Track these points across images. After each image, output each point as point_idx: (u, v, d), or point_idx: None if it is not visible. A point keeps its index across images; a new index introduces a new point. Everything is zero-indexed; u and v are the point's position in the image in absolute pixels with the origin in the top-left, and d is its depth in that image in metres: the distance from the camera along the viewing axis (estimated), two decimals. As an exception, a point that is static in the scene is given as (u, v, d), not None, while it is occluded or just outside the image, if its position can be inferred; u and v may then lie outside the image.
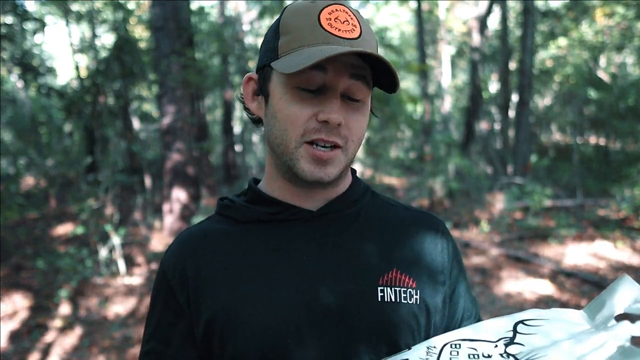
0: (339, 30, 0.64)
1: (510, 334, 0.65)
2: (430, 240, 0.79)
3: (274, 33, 0.70)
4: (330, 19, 0.65)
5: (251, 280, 0.70)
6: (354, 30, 0.65)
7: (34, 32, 10.12)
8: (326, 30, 0.64)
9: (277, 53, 0.67)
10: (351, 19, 0.66)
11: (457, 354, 0.62)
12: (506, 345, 0.63)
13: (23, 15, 7.86)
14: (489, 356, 0.61)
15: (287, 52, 0.66)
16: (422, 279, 0.75)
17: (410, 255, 0.76)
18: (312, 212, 0.74)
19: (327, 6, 0.66)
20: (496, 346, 0.63)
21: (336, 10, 0.66)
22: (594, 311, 0.66)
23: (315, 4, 0.66)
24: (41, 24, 9.09)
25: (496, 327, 0.67)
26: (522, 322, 0.68)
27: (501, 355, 0.61)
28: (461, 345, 0.64)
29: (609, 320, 0.62)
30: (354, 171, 0.84)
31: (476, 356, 0.61)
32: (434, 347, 0.64)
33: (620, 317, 0.62)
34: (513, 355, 0.61)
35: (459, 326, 0.80)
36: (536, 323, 0.67)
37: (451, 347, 0.64)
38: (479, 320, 0.84)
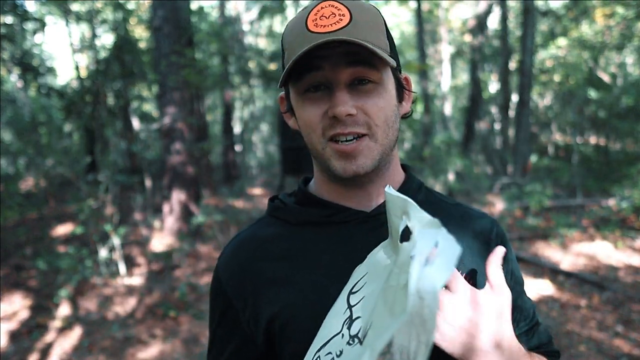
0: (324, 26, 0.65)
1: (348, 313, 0.62)
2: (485, 237, 0.78)
3: (281, 51, 0.74)
4: (316, 19, 0.66)
5: (309, 280, 0.70)
6: (340, 20, 0.66)
7: (34, 32, 10.12)
8: (312, 32, 0.65)
9: (285, 68, 0.70)
10: (338, 10, 0.66)
11: None
12: (348, 327, 0.60)
13: (23, 15, 7.86)
14: (341, 352, 0.58)
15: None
16: (479, 278, 0.73)
17: (466, 252, 0.74)
18: (367, 212, 0.74)
19: (314, 7, 0.68)
20: (342, 335, 0.60)
21: (322, 8, 0.67)
22: (388, 240, 0.63)
23: (304, 10, 0.69)
24: (41, 24, 9.09)
25: (337, 313, 0.64)
26: (351, 292, 0.64)
27: (348, 343, 0.58)
28: (320, 357, 0.61)
29: (398, 245, 0.59)
30: (408, 167, 0.83)
31: None
32: None
33: (403, 237, 0.57)
34: (356, 336, 0.58)
35: (524, 331, 0.79)
36: (360, 284, 0.64)
37: None
38: (536, 320, 0.82)
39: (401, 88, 0.74)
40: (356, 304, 0.62)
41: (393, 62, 0.66)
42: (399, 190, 0.75)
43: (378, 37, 0.67)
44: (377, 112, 0.68)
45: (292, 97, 0.72)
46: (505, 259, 0.80)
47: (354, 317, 0.60)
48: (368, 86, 0.67)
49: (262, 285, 0.72)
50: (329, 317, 0.65)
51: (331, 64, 0.66)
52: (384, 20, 0.72)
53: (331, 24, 0.65)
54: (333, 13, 0.66)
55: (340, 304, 0.65)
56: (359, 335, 0.57)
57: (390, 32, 0.74)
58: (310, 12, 0.67)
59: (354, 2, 0.68)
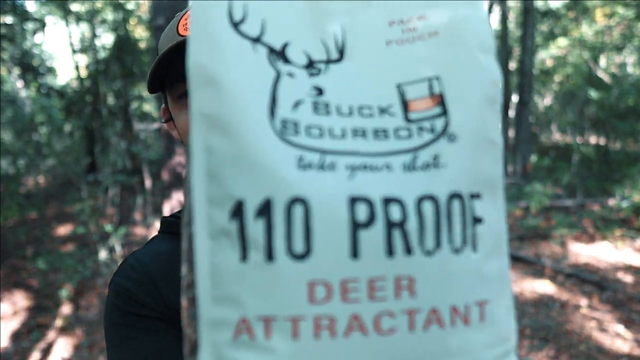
0: None
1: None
2: None
3: None
4: (185, 24, 0.67)
5: None
6: None
7: (34, 32, 10.12)
8: (181, 35, 0.66)
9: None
10: None
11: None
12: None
13: (23, 15, 7.87)
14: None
15: None
16: None
17: None
18: None
19: (185, 12, 0.69)
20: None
21: None
22: None
23: (177, 16, 0.70)
24: (41, 24, 9.09)
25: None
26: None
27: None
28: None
29: None
30: None
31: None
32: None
33: None
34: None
35: None
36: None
37: None
38: None
39: None
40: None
41: None
42: None
43: None
44: None
45: (170, 106, 0.72)
46: None
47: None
48: None
49: (169, 298, 0.66)
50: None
51: None
52: None
53: None
54: None
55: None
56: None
57: None
58: (182, 17, 0.68)
59: None
